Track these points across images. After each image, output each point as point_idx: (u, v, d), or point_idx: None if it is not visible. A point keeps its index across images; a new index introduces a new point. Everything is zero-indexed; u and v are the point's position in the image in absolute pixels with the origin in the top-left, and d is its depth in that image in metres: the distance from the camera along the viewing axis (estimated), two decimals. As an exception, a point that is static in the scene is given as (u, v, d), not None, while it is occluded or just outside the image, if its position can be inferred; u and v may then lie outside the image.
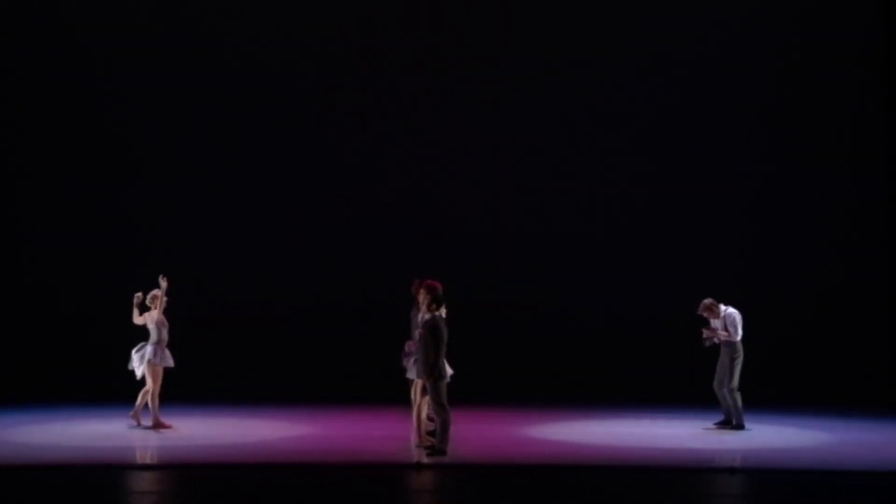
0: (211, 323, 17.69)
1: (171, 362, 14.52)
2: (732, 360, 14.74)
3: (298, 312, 18.49)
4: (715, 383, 14.96)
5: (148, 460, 13.19)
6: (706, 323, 14.89)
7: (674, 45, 18.82)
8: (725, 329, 14.76)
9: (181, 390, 15.10)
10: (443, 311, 12.93)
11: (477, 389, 16.25)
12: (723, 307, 14.85)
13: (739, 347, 14.78)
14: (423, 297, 13.11)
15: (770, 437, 14.58)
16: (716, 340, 14.85)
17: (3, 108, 18.63)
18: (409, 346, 13.58)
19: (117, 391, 16.40)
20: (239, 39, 18.73)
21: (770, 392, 17.72)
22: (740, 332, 14.76)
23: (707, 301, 14.90)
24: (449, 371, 13.06)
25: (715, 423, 15.03)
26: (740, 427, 14.78)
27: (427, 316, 12.91)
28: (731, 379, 14.75)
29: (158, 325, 14.46)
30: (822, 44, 18.77)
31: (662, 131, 18.88)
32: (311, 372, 18.03)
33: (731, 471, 12.33)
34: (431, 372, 12.76)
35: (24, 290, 18.57)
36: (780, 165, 18.83)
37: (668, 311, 17.82)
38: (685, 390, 16.50)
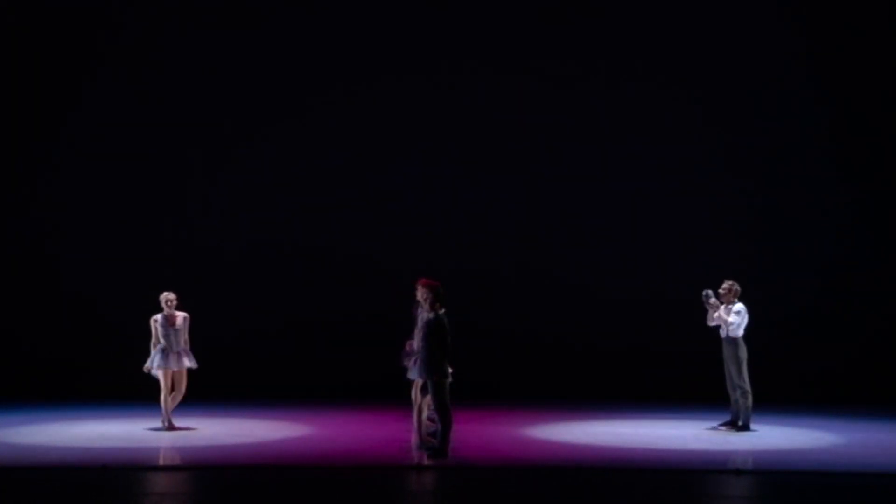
0: (210, 324, 17.57)
1: (173, 365, 14.49)
2: (737, 357, 14.61)
3: (298, 313, 18.41)
4: (728, 384, 14.84)
5: (147, 462, 13.08)
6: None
7: (681, 45, 18.76)
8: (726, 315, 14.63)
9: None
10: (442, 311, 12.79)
11: (478, 390, 16.22)
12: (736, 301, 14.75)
13: (742, 344, 14.65)
14: (424, 296, 12.97)
15: (776, 438, 14.47)
16: (711, 302, 14.65)
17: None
18: (410, 345, 13.46)
19: (117, 392, 16.37)
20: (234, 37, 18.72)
21: (776, 393, 17.66)
22: (741, 329, 14.63)
23: (731, 283, 14.77)
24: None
25: (720, 424, 14.91)
26: (746, 428, 14.64)
27: (430, 315, 12.76)
28: (739, 376, 14.61)
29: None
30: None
31: (666, 131, 18.78)
32: (311, 372, 17.97)
33: (737, 472, 12.21)
34: (435, 371, 12.60)
35: (22, 287, 18.51)
36: (787, 163, 18.75)
37: (670, 312, 17.75)
38: (689, 391, 16.39)
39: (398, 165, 18.75)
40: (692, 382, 16.94)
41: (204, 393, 16.08)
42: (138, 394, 15.04)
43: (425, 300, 12.90)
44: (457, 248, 18.41)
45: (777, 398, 17.38)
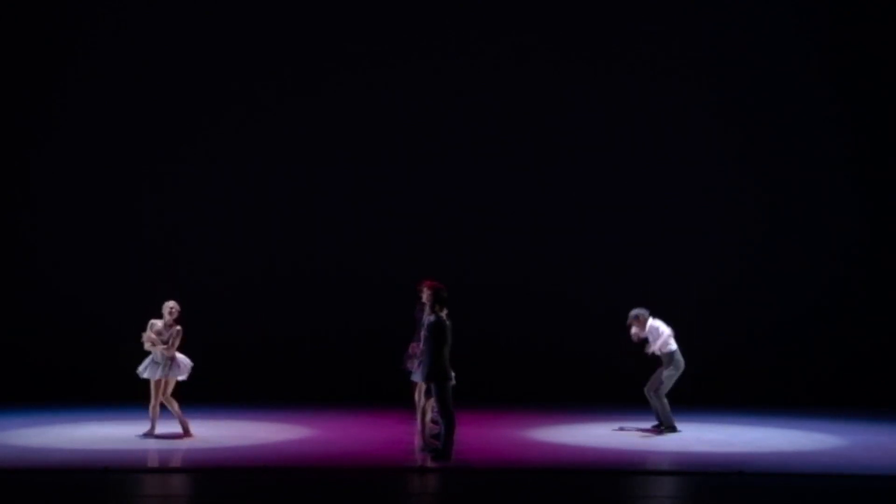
0: (210, 325, 17.57)
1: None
2: (669, 370, 14.68)
3: (298, 314, 18.39)
4: (646, 387, 14.91)
5: (148, 464, 13.07)
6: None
7: (685, 45, 18.76)
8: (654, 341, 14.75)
9: (181, 394, 15.01)
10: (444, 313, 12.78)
11: (480, 392, 16.20)
12: (651, 320, 14.76)
13: (677, 361, 14.69)
14: (426, 298, 12.97)
15: (778, 440, 14.48)
16: (649, 352, 14.83)
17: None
18: (412, 347, 13.47)
19: (118, 394, 16.34)
20: (232, 36, 18.69)
21: (777, 395, 17.69)
22: (671, 344, 14.66)
23: (633, 311, 14.81)
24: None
25: (653, 426, 14.92)
26: (672, 429, 14.70)
27: (431, 317, 12.75)
28: (660, 386, 14.70)
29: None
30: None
31: (666, 131, 18.76)
32: (312, 374, 17.96)
33: (740, 473, 12.21)
34: (436, 374, 12.60)
35: (24, 289, 18.50)
36: (785, 163, 18.74)
37: (672, 314, 17.73)
38: (689, 393, 16.40)
39: (403, 163, 18.70)
40: (691, 385, 16.92)
41: (204, 395, 16.09)
42: (139, 396, 14.95)
43: (427, 302, 12.91)
44: (458, 249, 18.38)
45: (779, 400, 17.42)
